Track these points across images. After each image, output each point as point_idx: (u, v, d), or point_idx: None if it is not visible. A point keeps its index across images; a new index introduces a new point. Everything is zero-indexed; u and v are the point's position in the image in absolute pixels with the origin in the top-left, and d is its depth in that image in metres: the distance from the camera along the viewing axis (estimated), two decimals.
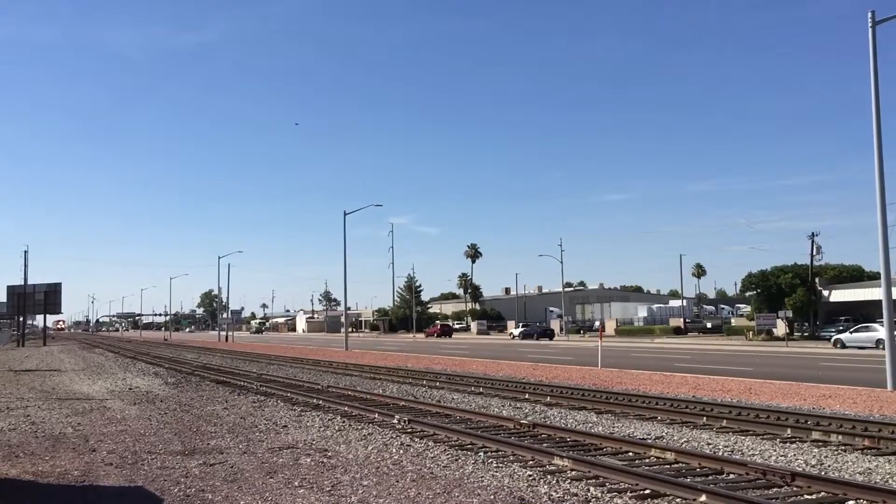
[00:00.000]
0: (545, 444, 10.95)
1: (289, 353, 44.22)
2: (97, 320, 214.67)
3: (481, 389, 20.10)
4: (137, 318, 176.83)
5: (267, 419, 14.36)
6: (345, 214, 52.11)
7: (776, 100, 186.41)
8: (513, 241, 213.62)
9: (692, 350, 45.94)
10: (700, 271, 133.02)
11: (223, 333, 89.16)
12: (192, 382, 23.75)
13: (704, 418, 13.76)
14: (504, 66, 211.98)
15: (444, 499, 7.84)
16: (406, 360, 35.46)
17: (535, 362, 32.37)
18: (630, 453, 10.43)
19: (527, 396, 18.12)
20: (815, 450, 10.80)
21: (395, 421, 13.55)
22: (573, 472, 9.03)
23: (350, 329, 72.97)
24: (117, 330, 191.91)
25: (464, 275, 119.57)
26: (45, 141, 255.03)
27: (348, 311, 67.82)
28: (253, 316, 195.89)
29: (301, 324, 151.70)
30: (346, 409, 15.71)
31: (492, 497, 7.88)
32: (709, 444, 11.42)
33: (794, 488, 8.15)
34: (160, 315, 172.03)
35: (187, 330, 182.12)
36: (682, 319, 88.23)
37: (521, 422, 12.91)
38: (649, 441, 11.41)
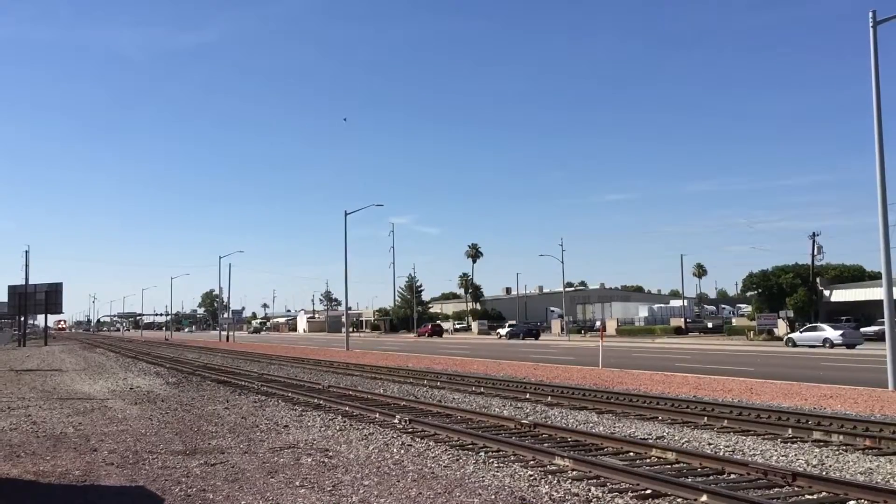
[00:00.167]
0: (546, 444, 10.95)
1: (290, 353, 44.23)
2: (98, 320, 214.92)
3: (482, 389, 20.10)
4: (138, 317, 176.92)
5: (268, 419, 14.37)
6: (346, 214, 52.20)
7: (776, 100, 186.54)
8: (513, 241, 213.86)
9: (693, 350, 45.93)
10: (701, 271, 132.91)
11: (224, 333, 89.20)
12: (193, 382, 23.76)
13: (705, 418, 13.76)
14: (504, 66, 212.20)
15: (445, 498, 7.84)
16: (407, 359, 35.46)
17: (536, 362, 32.37)
18: (631, 453, 10.43)
19: (528, 396, 18.12)
20: (817, 450, 10.80)
21: (396, 421, 13.55)
22: (574, 472, 9.03)
23: (351, 329, 73.02)
24: (118, 330, 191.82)
25: (464, 275, 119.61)
26: (45, 141, 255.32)
27: (349, 311, 67.84)
28: (254, 316, 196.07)
29: (302, 324, 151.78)
30: (347, 408, 15.71)
31: (493, 497, 7.88)
32: (710, 444, 11.42)
33: (796, 488, 8.15)
34: (161, 315, 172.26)
35: (186, 330, 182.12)
36: (682, 319, 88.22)
37: (522, 422, 12.91)
38: (650, 441, 11.41)
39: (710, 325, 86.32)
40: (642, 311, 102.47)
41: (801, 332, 50.04)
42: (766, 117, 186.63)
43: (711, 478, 8.79)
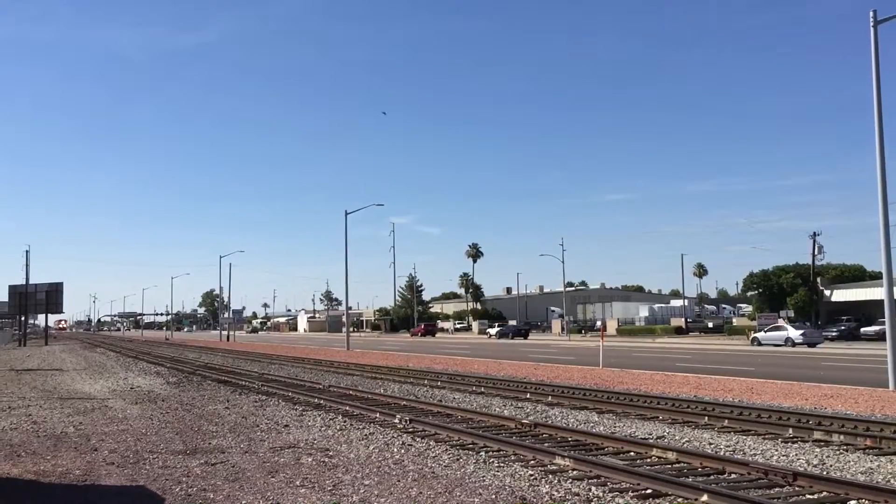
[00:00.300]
0: (546, 444, 10.95)
1: (290, 353, 44.23)
2: (99, 320, 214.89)
3: (482, 389, 20.10)
4: (139, 317, 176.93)
5: (268, 419, 14.37)
6: (346, 214, 52.19)
7: (776, 100, 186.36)
8: (514, 240, 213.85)
9: (694, 350, 45.92)
10: (701, 271, 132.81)
11: (224, 333, 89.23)
12: (193, 382, 23.76)
13: (706, 418, 13.75)
14: (504, 66, 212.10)
15: (445, 498, 7.84)
16: (407, 359, 35.46)
17: (537, 362, 32.36)
18: (631, 453, 10.42)
19: (528, 396, 18.12)
20: (817, 449, 10.79)
21: (397, 420, 13.55)
22: (574, 472, 9.02)
23: (351, 329, 73.03)
24: (119, 329, 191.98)
25: (465, 274, 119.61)
26: (45, 141, 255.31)
27: (350, 311, 67.84)
28: (254, 315, 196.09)
29: (302, 323, 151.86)
30: (347, 408, 15.71)
31: (493, 496, 7.88)
32: (710, 443, 11.42)
33: (796, 488, 8.15)
34: (162, 315, 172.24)
35: (186, 330, 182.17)
36: (683, 319, 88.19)
37: (523, 421, 12.91)
38: (651, 441, 11.41)
39: (710, 324, 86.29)
40: (643, 311, 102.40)
41: (765, 332, 51.67)
42: (766, 117, 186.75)
43: (712, 477, 8.79)
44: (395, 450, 10.77)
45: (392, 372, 26.96)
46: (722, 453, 10.40)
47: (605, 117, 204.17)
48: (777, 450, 10.81)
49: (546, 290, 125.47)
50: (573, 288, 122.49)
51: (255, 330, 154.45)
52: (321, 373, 27.90)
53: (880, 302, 22.60)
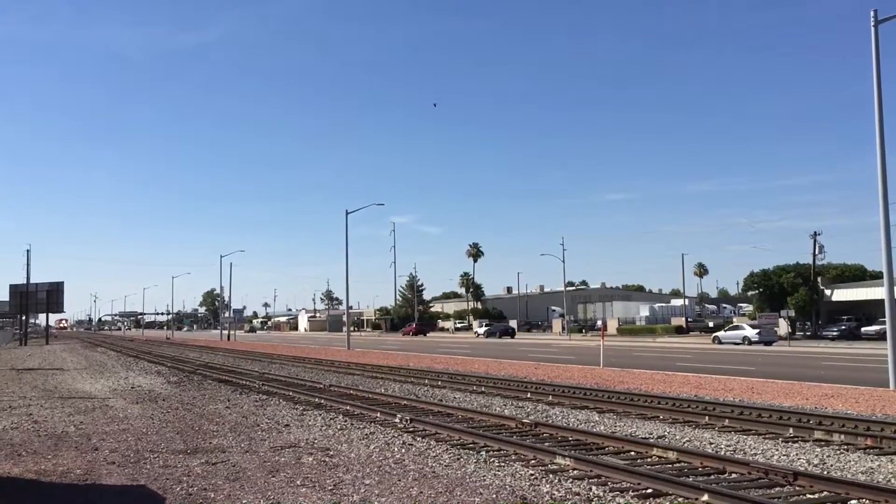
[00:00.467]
0: (547, 444, 10.95)
1: (291, 353, 44.23)
2: (99, 319, 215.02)
3: (483, 389, 20.10)
4: (140, 317, 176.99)
5: (269, 418, 14.37)
6: (346, 213, 52.18)
7: (776, 100, 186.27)
8: (514, 240, 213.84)
9: (694, 349, 45.92)
10: (702, 271, 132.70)
11: (225, 332, 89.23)
12: (194, 381, 23.78)
13: (706, 418, 13.75)
14: (504, 66, 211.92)
15: (446, 498, 7.84)
16: (408, 359, 35.46)
17: (538, 362, 32.36)
18: (632, 453, 10.42)
19: (528, 396, 18.12)
20: (818, 449, 10.79)
21: (397, 420, 13.55)
22: (575, 472, 9.03)
23: (352, 328, 73.03)
24: (119, 329, 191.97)
25: (465, 274, 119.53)
26: (45, 141, 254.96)
27: (350, 311, 67.85)
28: (255, 315, 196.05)
29: (303, 323, 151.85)
30: (348, 408, 15.71)
31: (494, 496, 7.88)
32: (711, 443, 11.42)
33: (797, 488, 8.15)
34: (162, 314, 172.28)
35: (185, 329, 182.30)
36: (683, 319, 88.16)
37: (523, 421, 12.91)
38: (651, 440, 11.41)
39: (711, 324, 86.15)
40: (643, 311, 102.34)
41: (725, 331, 56.46)
42: (766, 117, 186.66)
43: (713, 477, 8.79)
44: (396, 449, 10.77)
45: (392, 371, 26.96)
46: (722, 453, 10.40)
47: (605, 117, 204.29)
48: (778, 449, 10.81)
49: (547, 289, 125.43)
50: (574, 287, 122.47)
51: (252, 329, 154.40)
52: (322, 372, 27.90)
53: (881, 301, 22.60)
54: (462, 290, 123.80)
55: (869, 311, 59.01)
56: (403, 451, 10.66)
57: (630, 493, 7.99)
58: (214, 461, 9.99)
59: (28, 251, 70.34)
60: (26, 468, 9.72)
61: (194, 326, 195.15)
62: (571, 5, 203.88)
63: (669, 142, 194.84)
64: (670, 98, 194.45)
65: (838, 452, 10.54)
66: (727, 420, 13.35)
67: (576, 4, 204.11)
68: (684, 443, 11.37)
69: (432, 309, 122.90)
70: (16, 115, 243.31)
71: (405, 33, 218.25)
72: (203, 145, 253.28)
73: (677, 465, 9.55)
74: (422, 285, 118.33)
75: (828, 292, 68.12)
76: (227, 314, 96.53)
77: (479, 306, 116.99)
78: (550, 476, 8.81)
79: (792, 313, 61.75)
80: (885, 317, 20.99)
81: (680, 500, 7.68)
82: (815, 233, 67.07)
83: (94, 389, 21.29)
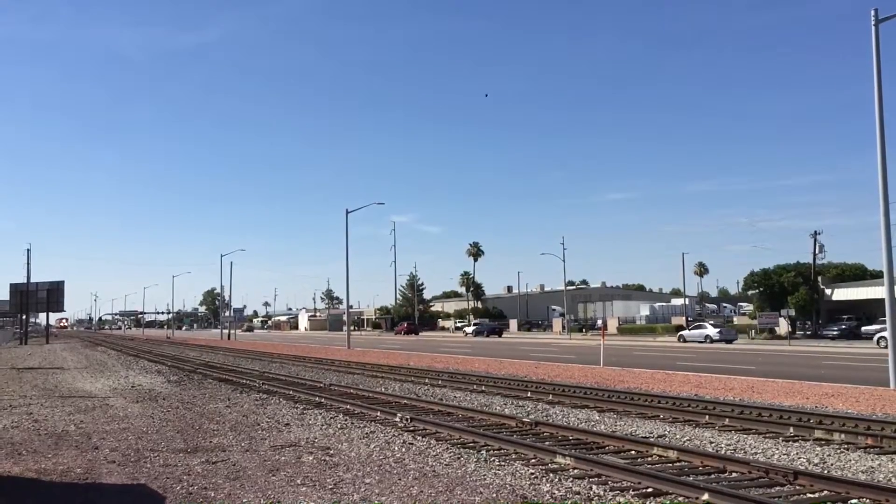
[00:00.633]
0: (547, 443, 10.96)
1: (291, 352, 44.24)
2: (100, 318, 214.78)
3: (483, 388, 20.10)
4: (140, 316, 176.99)
5: (269, 417, 14.38)
6: (347, 212, 52.17)
7: (776, 100, 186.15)
8: (514, 240, 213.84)
9: (694, 349, 45.91)
10: (702, 270, 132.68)
11: (226, 331, 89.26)
12: (194, 380, 23.78)
13: (707, 417, 13.75)
14: (504, 66, 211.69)
15: (446, 497, 7.84)
16: (408, 358, 35.46)
17: (538, 361, 32.36)
18: (632, 452, 10.43)
19: (529, 395, 18.11)
20: (818, 448, 10.79)
21: (398, 419, 13.55)
22: (575, 471, 9.03)
23: (352, 327, 73.04)
24: (120, 328, 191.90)
25: (466, 273, 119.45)
26: (45, 141, 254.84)
27: (350, 310, 67.86)
28: (255, 314, 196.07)
29: (303, 322, 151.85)
30: (348, 407, 15.71)
31: (494, 495, 7.88)
32: (711, 442, 11.41)
33: (797, 487, 8.15)
34: (163, 313, 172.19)
35: (185, 328, 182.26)
36: (684, 318, 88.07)
37: (524, 420, 12.91)
38: (651, 440, 11.41)
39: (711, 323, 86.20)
40: (643, 310, 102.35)
41: (689, 330, 59.90)
42: (766, 117, 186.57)
43: (713, 476, 8.79)
44: (396, 448, 10.77)
45: (393, 370, 26.96)
46: (723, 452, 10.40)
47: (605, 117, 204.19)
48: (778, 449, 10.80)
49: (547, 288, 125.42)
50: (574, 287, 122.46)
51: (249, 329, 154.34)
52: (322, 371, 27.90)
53: (881, 301, 22.59)
54: (462, 290, 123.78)
55: (869, 311, 58.99)
56: (404, 450, 10.66)
57: (630, 492, 7.99)
58: (215, 460, 9.99)
59: (28, 250, 70.37)
60: (27, 467, 9.73)
61: (194, 326, 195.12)
62: (571, 5, 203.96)
63: (670, 142, 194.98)
64: (670, 98, 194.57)
65: (839, 452, 10.54)
66: (727, 419, 13.35)
67: (576, 4, 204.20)
68: (685, 442, 11.37)
69: (433, 308, 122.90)
70: (16, 115, 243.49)
71: (405, 33, 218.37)
72: (203, 145, 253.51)
73: (678, 464, 9.55)
74: (422, 284, 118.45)
75: (828, 292, 68.10)
76: (227, 313, 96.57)
77: (480, 305, 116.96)
78: (551, 475, 8.81)
79: (792, 312, 61.74)
80: (885, 316, 20.98)
81: (680, 499, 7.68)
82: (816, 232, 67.09)
83: (94, 388, 21.29)
